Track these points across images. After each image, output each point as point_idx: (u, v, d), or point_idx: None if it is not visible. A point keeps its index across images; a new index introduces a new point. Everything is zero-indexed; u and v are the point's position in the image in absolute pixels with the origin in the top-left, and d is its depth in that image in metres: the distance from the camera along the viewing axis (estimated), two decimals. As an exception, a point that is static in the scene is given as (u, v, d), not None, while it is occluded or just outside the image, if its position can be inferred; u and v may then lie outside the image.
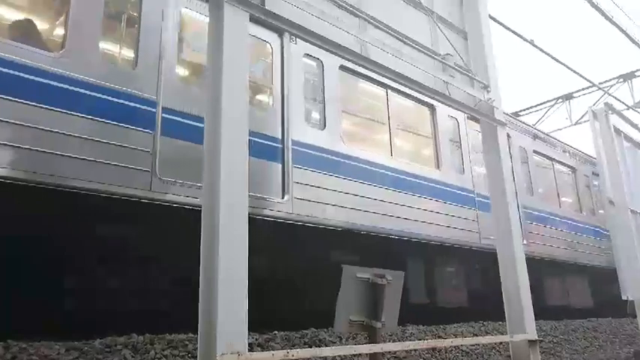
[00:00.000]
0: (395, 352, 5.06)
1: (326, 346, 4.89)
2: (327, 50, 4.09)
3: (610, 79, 18.41)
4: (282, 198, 5.71)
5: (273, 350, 4.32)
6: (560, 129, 19.12)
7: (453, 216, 7.98)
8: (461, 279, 8.41)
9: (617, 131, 7.10)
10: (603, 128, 6.88)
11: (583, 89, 18.40)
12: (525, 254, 6.82)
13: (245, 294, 2.83)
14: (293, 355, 3.00)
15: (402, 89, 7.23)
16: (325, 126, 6.43)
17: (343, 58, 4.26)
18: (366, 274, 3.77)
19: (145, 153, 4.75)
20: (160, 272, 4.81)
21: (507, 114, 9.25)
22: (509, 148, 9.70)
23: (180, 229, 4.54)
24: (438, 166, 8.10)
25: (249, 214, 3.01)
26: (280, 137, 5.91)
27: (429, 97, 5.51)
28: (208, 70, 3.25)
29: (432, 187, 7.77)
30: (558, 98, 19.47)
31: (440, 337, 6.22)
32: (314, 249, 5.94)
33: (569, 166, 12.62)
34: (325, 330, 5.27)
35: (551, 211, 10.84)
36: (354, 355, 4.57)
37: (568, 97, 19.24)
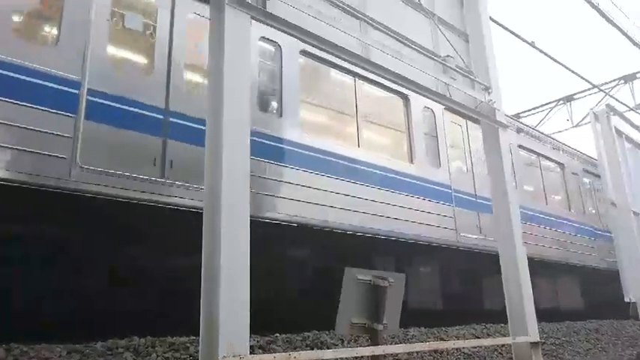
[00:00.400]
0: (397, 355, 5.05)
1: (328, 348, 4.88)
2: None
3: (611, 81, 18.43)
4: None
5: (275, 353, 4.32)
6: (561, 131, 19.13)
7: (427, 212, 7.64)
8: (436, 279, 8.12)
9: (619, 133, 7.08)
10: (604, 130, 6.87)
11: (584, 91, 18.42)
12: None
13: (247, 296, 2.83)
14: (295, 358, 2.99)
15: (372, 77, 6.94)
16: (282, 115, 6.15)
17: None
18: (367, 277, 3.76)
19: (63, 139, 4.38)
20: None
21: (508, 115, 9.16)
22: None
23: (105, 223, 4.34)
24: (411, 160, 7.76)
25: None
26: None
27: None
28: (210, 72, 3.25)
29: (404, 182, 7.44)
30: (559, 100, 19.48)
31: (442, 339, 6.21)
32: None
33: (557, 163, 12.27)
34: (327, 332, 5.26)
35: (536, 208, 10.47)
36: (356, 358, 4.55)
37: (569, 98, 19.25)
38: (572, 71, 13.24)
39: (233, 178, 2.95)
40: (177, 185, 5.06)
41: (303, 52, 6.54)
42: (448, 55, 5.65)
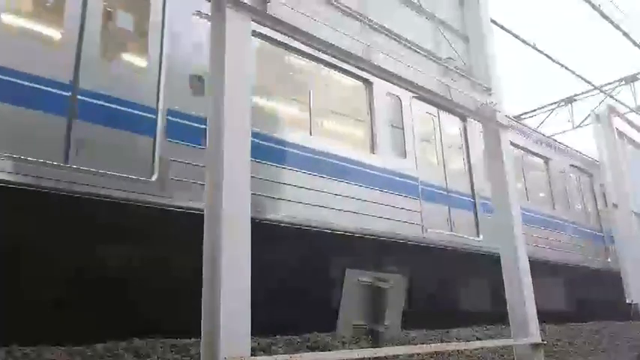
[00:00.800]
0: (398, 356, 5.04)
1: (329, 350, 4.88)
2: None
3: (612, 82, 18.40)
4: (150, 177, 4.89)
5: (276, 354, 4.32)
6: (563, 132, 19.11)
7: (390, 206, 7.13)
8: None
9: (620, 134, 7.08)
10: (606, 131, 6.86)
11: (585, 92, 18.39)
12: (482, 250, 6.57)
13: (248, 298, 2.83)
14: (296, 360, 2.99)
15: (332, 61, 6.45)
16: None
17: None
18: (368, 278, 3.76)
19: None
20: None
21: (509, 117, 9.03)
22: (467, 132, 9.15)
23: None
24: (373, 150, 7.25)
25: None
26: (155, 107, 5.08)
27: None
28: (210, 75, 3.26)
29: (364, 173, 6.91)
30: (560, 101, 19.46)
31: (443, 341, 6.20)
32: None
33: (541, 157, 11.75)
34: (328, 334, 5.26)
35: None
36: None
37: (570, 100, 19.23)
38: (574, 72, 13.25)
39: (234, 182, 2.95)
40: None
41: (257, 34, 5.96)
42: (449, 58, 5.65)
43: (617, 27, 12.81)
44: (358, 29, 4.67)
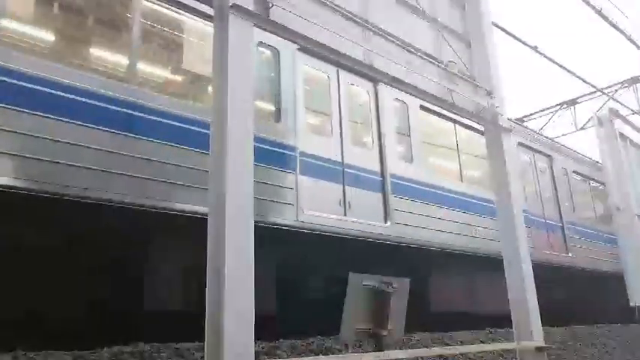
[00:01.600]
0: (401, 360, 5.04)
1: (332, 354, 4.88)
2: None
3: (614, 84, 18.37)
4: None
5: (280, 359, 4.33)
6: (565, 134, 19.08)
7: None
8: (264, 270, 5.65)
9: (623, 137, 7.08)
10: (608, 133, 6.87)
11: (587, 94, 18.37)
12: (390, 240, 6.66)
13: (252, 302, 2.84)
14: (299, 364, 3.00)
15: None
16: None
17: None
18: (372, 282, 3.77)
19: None
20: None
21: (510, 119, 8.91)
22: (378, 98, 7.38)
23: None
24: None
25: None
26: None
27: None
28: (214, 80, 3.28)
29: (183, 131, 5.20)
30: (562, 104, 19.43)
31: (447, 344, 6.19)
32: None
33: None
34: (331, 338, 5.26)
35: (439, 184, 8.15)
36: (361, 363, 4.55)
37: (572, 102, 19.21)
38: (576, 75, 13.25)
39: (237, 187, 2.97)
40: None
41: None
42: (451, 61, 5.67)
43: (620, 30, 12.82)
44: (359, 33, 4.70)
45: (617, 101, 16.52)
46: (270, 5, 3.70)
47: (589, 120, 17.61)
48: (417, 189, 7.70)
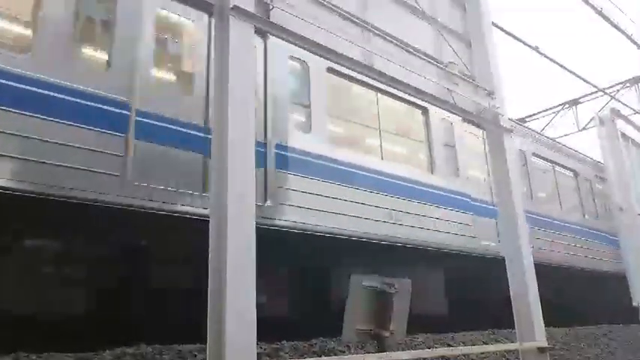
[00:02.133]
0: (404, 361, 5.03)
1: (335, 355, 4.88)
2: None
3: (616, 84, 18.34)
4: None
5: (282, 360, 4.32)
6: (567, 135, 19.05)
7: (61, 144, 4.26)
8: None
9: (625, 137, 7.07)
10: (610, 134, 6.86)
11: (589, 94, 18.34)
12: (276, 225, 5.45)
13: (253, 303, 2.84)
14: (301, 365, 3.00)
15: None
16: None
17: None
18: (373, 283, 3.77)
19: None
20: None
21: (511, 119, 8.85)
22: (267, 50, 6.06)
23: None
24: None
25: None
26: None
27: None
28: (215, 82, 3.29)
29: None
30: (564, 104, 19.40)
31: (449, 345, 6.18)
32: None
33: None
34: (334, 339, 5.26)
35: (348, 160, 6.68)
36: (363, 364, 4.55)
37: (574, 102, 19.18)
38: (577, 75, 13.23)
39: (239, 187, 2.97)
40: None
41: None
42: (451, 62, 5.68)
43: (621, 30, 12.80)
44: (359, 35, 4.71)
45: (619, 101, 16.48)
46: (271, 7, 3.71)
47: (591, 120, 17.58)
48: (316, 164, 6.28)
